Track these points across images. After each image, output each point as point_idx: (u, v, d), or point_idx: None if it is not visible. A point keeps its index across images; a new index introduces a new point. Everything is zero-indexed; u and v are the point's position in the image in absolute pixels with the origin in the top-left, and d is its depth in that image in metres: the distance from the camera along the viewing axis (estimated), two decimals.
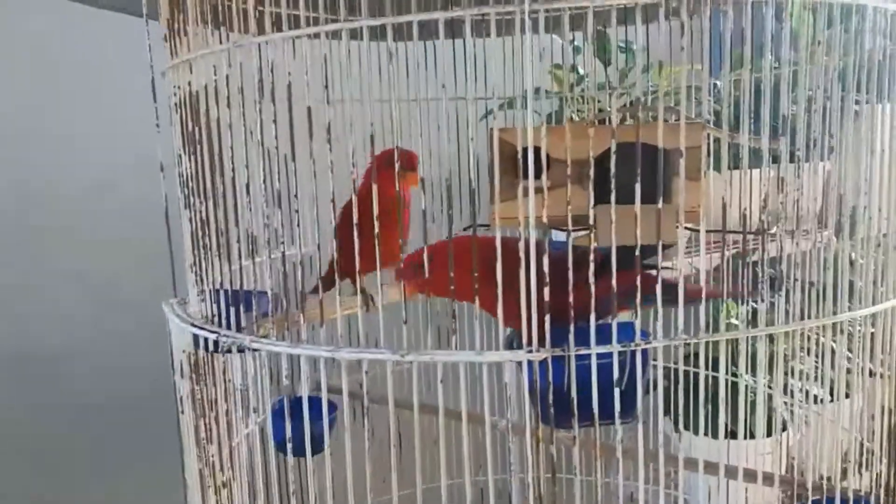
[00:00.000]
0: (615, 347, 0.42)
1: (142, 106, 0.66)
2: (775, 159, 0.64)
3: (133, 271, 1.25)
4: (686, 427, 1.12)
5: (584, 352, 0.42)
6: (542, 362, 0.42)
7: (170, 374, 0.65)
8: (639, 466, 0.45)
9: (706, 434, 1.09)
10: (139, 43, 0.63)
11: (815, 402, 0.91)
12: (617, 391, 0.43)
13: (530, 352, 0.42)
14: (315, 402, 0.52)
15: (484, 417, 0.46)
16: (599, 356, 0.43)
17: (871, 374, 0.58)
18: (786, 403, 1.03)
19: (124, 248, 1.27)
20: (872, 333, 0.58)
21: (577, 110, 1.25)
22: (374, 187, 0.45)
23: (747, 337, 0.46)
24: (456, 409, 0.47)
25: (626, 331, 0.44)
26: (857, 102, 0.64)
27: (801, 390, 0.93)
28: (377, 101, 0.70)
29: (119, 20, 0.89)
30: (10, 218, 1.23)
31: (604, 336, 0.43)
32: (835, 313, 0.53)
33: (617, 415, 0.44)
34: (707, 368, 1.00)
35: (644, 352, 0.44)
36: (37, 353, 1.26)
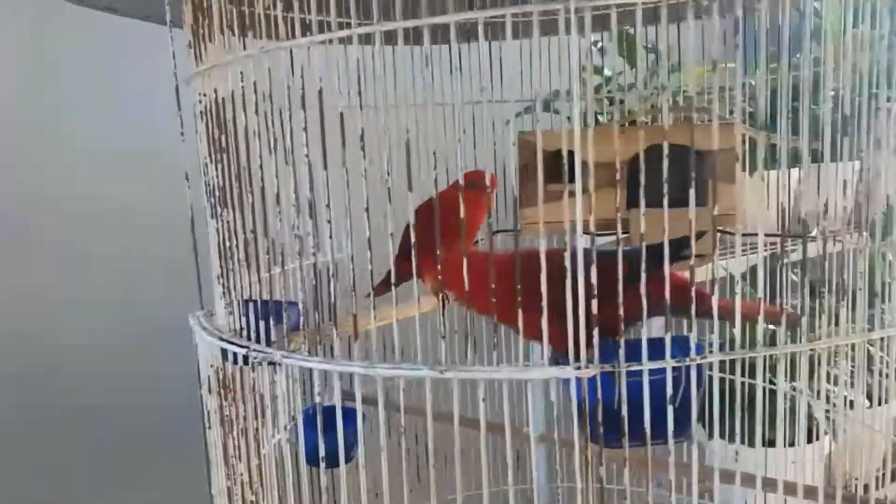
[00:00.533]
0: (669, 363, 0.40)
1: (165, 115, 0.65)
2: (814, 159, 0.62)
3: (159, 283, 1.24)
4: (721, 436, 1.09)
5: (636, 367, 0.40)
6: (591, 379, 0.40)
7: (195, 388, 0.63)
8: (671, 477, 0.42)
9: (742, 442, 1.06)
10: (162, 52, 0.62)
11: (851, 407, 0.88)
12: (670, 409, 0.41)
13: (578, 368, 0.39)
14: (345, 410, 0.50)
15: (522, 430, 0.43)
16: (652, 372, 0.40)
17: None
18: (827, 412, 1.00)
19: (149, 259, 1.27)
20: None
21: (607, 112, 1.22)
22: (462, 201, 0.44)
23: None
24: (495, 421, 0.45)
25: (681, 344, 0.41)
26: (888, 100, 0.61)
27: (836, 396, 0.90)
28: (411, 105, 0.67)
29: (141, 28, 0.88)
30: (40, 230, 1.23)
31: (656, 350, 0.41)
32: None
33: (670, 434, 0.41)
34: (743, 375, 0.97)
35: (699, 367, 0.41)
36: (58, 366, 1.25)
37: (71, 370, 1.25)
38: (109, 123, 1.26)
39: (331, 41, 0.44)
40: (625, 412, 0.40)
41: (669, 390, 0.40)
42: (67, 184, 1.24)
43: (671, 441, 0.41)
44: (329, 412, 0.49)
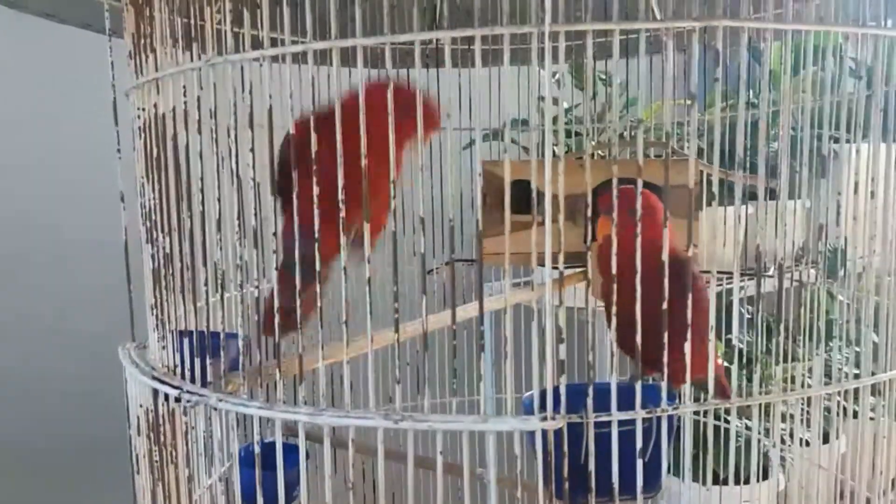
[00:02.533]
0: (640, 414, 0.37)
1: (103, 129, 0.60)
2: (753, 197, 0.61)
3: (90, 311, 1.17)
4: (675, 473, 1.07)
5: (604, 418, 0.37)
6: (557, 431, 0.37)
7: (125, 426, 0.58)
8: None
9: (694, 480, 1.05)
10: (102, 61, 0.58)
11: (802, 445, 0.87)
12: (640, 462, 0.38)
13: (544, 419, 0.36)
14: (286, 448, 0.46)
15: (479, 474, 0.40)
16: (620, 423, 0.37)
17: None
18: (778, 448, 0.99)
19: (80, 285, 1.19)
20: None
21: (563, 144, 1.21)
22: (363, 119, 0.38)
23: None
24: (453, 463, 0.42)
25: (651, 394, 0.39)
26: (836, 141, 0.61)
27: (790, 435, 0.89)
28: None
29: (80, 36, 0.83)
30: None
31: (625, 400, 0.38)
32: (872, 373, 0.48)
33: (639, 489, 0.38)
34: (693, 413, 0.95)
35: (670, 418, 0.39)
36: None
37: None
38: (43, 137, 1.19)
39: (283, 57, 0.41)
40: (591, 466, 0.37)
41: (639, 443, 0.38)
42: None
43: (640, 497, 0.38)
44: (270, 448, 0.45)
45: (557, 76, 1.33)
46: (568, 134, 1.27)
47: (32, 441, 1.18)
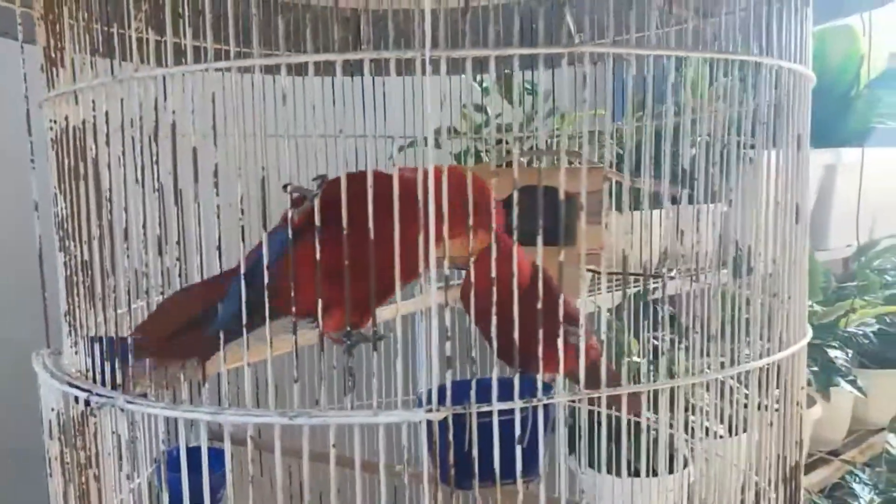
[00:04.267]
0: (517, 404, 0.41)
1: (20, 137, 0.61)
2: (674, 202, 0.66)
3: (6, 317, 1.15)
4: (591, 465, 1.12)
5: (485, 409, 0.41)
6: (443, 421, 0.40)
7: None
8: None
9: (609, 472, 1.10)
10: (18, 69, 0.58)
11: (714, 437, 0.93)
12: (519, 449, 0.42)
13: (429, 411, 0.40)
14: (210, 452, 0.48)
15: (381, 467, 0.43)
16: (501, 412, 0.41)
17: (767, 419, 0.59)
18: (686, 441, 1.05)
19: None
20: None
21: (486, 150, 1.25)
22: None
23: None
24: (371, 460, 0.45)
25: (528, 384, 0.42)
26: (752, 147, 0.66)
27: (701, 427, 0.95)
28: (271, 136, 0.67)
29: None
30: None
31: (505, 391, 0.41)
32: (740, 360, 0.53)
33: (519, 474, 0.42)
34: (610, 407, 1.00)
35: (546, 407, 0.42)
36: None
37: None
38: None
39: (185, 74, 0.43)
40: (475, 454, 0.41)
41: (517, 430, 0.41)
42: None
43: (520, 481, 0.42)
44: (195, 453, 0.47)
45: (485, 84, 1.37)
46: (497, 142, 1.31)
47: None
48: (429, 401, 0.41)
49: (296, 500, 0.51)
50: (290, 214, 0.48)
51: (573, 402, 0.89)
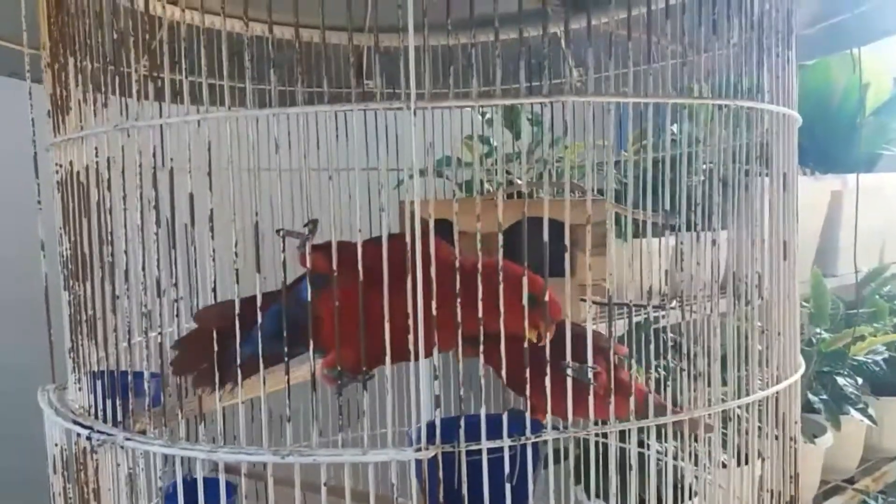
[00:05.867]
0: (506, 442, 0.42)
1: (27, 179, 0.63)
2: (674, 230, 0.66)
3: (14, 353, 1.17)
4: (598, 495, 1.11)
5: (475, 447, 0.41)
6: (432, 459, 0.41)
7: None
8: None
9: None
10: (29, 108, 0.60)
11: (721, 467, 0.92)
12: (508, 487, 0.42)
13: (419, 450, 0.40)
14: (211, 484, 0.49)
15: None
16: (490, 451, 0.42)
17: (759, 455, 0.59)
18: (693, 472, 1.04)
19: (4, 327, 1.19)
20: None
21: (488, 180, 1.27)
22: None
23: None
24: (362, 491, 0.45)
25: (517, 422, 0.43)
26: (746, 174, 0.67)
27: (707, 455, 0.94)
28: (286, 170, 0.68)
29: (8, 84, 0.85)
30: None
31: (494, 429, 0.42)
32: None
33: None
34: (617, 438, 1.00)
35: (535, 445, 0.43)
36: None
37: None
38: None
39: (187, 122, 0.45)
40: (465, 492, 0.41)
41: (507, 469, 0.42)
42: None
43: None
44: (193, 486, 0.48)
45: (488, 115, 1.38)
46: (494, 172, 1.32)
47: None
48: (419, 439, 0.41)
49: None
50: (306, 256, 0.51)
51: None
